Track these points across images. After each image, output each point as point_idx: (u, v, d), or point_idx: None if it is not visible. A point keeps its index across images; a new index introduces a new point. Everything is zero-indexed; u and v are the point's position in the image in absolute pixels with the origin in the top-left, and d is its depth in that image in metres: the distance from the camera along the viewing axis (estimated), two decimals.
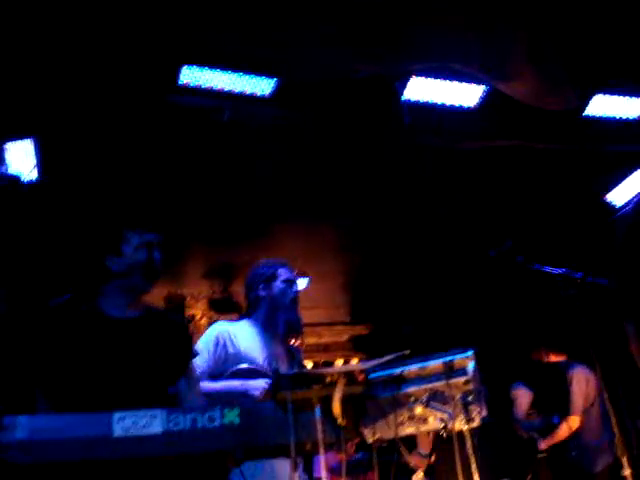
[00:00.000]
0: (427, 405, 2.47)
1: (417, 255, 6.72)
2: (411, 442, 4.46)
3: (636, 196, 6.47)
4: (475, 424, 2.53)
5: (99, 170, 5.42)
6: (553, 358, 5.87)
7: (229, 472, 2.39)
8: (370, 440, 2.48)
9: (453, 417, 2.48)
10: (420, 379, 2.47)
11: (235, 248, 7.16)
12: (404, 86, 4.85)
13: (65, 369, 2.68)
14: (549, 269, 2.98)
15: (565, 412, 5.61)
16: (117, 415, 2.10)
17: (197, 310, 8.22)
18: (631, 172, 6.37)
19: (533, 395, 6.08)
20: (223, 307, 8.27)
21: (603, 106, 5.49)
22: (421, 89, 4.91)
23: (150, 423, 2.10)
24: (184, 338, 3.09)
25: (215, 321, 8.12)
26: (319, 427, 2.15)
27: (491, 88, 5.03)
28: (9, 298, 5.21)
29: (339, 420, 2.20)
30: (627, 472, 2.48)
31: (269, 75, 4.52)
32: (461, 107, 5.10)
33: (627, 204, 6.58)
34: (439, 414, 2.51)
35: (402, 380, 2.47)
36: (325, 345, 8.68)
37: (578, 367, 5.69)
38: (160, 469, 2.15)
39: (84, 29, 4.15)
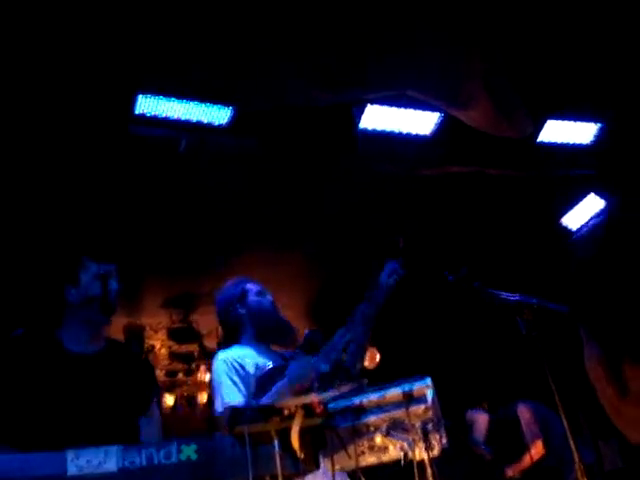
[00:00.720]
0: (387, 434, 2.47)
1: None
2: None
3: (590, 219, 6.59)
4: (435, 452, 2.53)
5: (55, 199, 5.35)
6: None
7: None
8: (330, 472, 2.45)
9: (413, 446, 2.47)
10: (379, 408, 2.47)
11: (195, 278, 7.11)
12: (361, 112, 4.89)
13: (23, 406, 2.62)
14: (506, 295, 3.00)
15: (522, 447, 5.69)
16: (71, 453, 2.05)
17: (156, 340, 8.13)
18: (584, 196, 6.48)
19: (490, 418, 6.11)
20: (183, 337, 8.19)
21: (556, 132, 5.60)
22: (377, 117, 4.96)
23: (104, 461, 2.05)
24: (146, 373, 3.05)
25: (175, 351, 8.10)
26: (278, 461, 2.13)
27: (446, 115, 5.09)
28: None
29: (298, 453, 2.18)
30: None
31: (225, 104, 4.51)
32: (417, 135, 5.15)
33: (581, 228, 6.70)
34: (399, 443, 2.50)
35: (361, 410, 2.46)
36: None
37: (520, 404, 5.82)
38: None
39: (39, 56, 4.12)
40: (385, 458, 2.56)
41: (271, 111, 4.79)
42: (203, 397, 8.24)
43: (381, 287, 3.37)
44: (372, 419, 2.45)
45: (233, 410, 2.32)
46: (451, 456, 2.87)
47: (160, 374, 8.17)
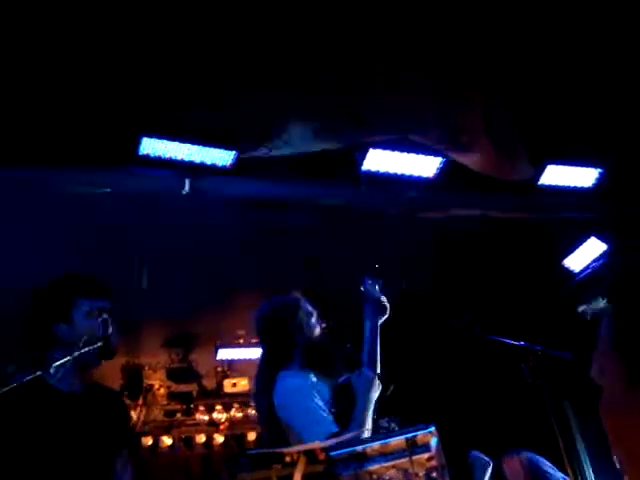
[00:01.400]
0: None
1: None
2: None
3: (592, 262, 6.59)
4: None
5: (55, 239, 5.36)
6: None
7: None
8: None
9: None
10: (382, 456, 2.42)
11: (194, 317, 7.09)
12: (364, 156, 4.91)
13: (11, 444, 2.59)
14: (509, 341, 2.98)
15: None
16: None
17: (155, 380, 8.08)
18: (585, 239, 6.50)
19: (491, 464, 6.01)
20: (181, 377, 8.14)
21: (557, 175, 5.63)
22: (380, 160, 4.98)
23: None
24: (123, 414, 3.01)
25: (173, 391, 8.04)
26: None
27: (448, 159, 5.12)
28: None
29: None
30: None
31: (230, 148, 4.54)
32: (419, 177, 5.17)
33: (583, 270, 6.70)
34: None
35: (364, 457, 2.42)
36: None
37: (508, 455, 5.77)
38: None
39: (46, 97, 4.15)
40: None
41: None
42: (201, 438, 8.16)
43: (369, 299, 3.33)
44: (375, 467, 2.41)
45: (235, 456, 2.28)
46: None
47: (158, 414, 8.10)
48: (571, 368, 2.57)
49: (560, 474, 5.94)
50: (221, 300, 6.70)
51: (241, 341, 7.57)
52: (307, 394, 3.01)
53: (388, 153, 4.94)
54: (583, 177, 5.75)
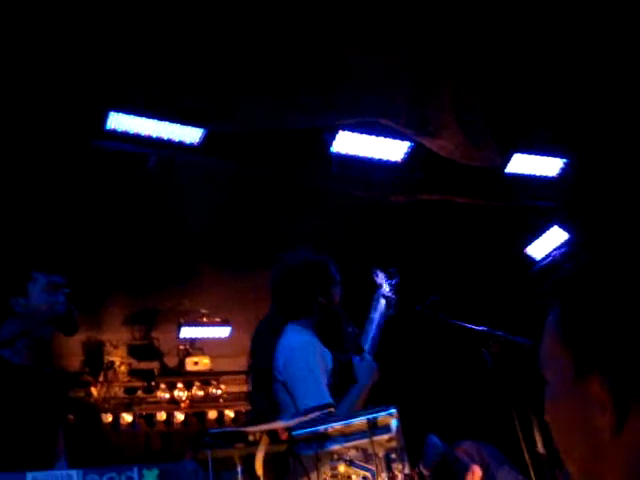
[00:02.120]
0: (350, 463, 2.45)
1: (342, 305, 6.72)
2: None
3: (553, 250, 6.68)
4: None
5: (19, 211, 5.27)
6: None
7: None
8: None
9: (376, 475, 2.45)
10: (343, 436, 2.44)
11: (158, 294, 7.05)
12: (333, 137, 4.92)
13: None
14: (471, 326, 3.01)
15: None
16: (30, 475, 2.01)
17: (116, 357, 8.02)
18: (548, 227, 6.58)
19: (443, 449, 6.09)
20: (143, 354, 8.10)
21: (523, 164, 5.69)
22: (349, 142, 4.99)
23: None
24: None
25: (134, 368, 7.99)
26: None
27: (416, 144, 5.14)
28: None
29: (261, 479, 2.16)
30: None
31: (198, 125, 4.50)
32: (387, 161, 5.20)
33: (545, 258, 6.79)
34: (362, 472, 2.48)
35: (326, 437, 2.44)
36: (247, 394, 8.55)
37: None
38: None
39: (13, 71, 4.08)
40: None
41: (243, 133, 4.80)
42: (162, 415, 8.14)
43: (380, 293, 3.29)
44: (336, 447, 2.43)
45: (197, 434, 2.29)
46: None
47: (119, 391, 8.05)
48: (531, 354, 2.61)
49: (507, 467, 6.05)
50: (185, 278, 6.68)
51: (204, 320, 7.55)
52: (313, 353, 2.97)
53: (357, 136, 4.95)
54: (548, 166, 5.82)
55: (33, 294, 2.76)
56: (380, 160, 5.16)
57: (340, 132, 4.87)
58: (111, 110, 4.32)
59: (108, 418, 7.94)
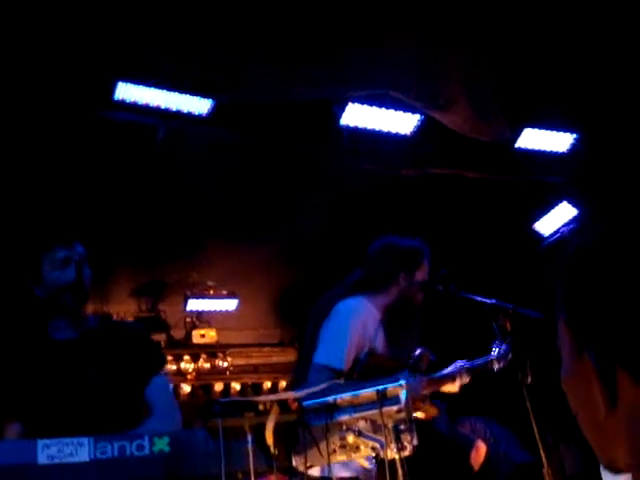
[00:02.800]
0: (359, 434, 2.46)
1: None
2: None
3: (562, 226, 6.66)
4: (407, 453, 2.52)
5: (26, 184, 5.27)
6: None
7: None
8: (301, 468, 2.45)
9: (384, 446, 2.46)
10: (353, 407, 2.45)
11: (165, 266, 7.06)
12: (342, 110, 4.89)
13: (23, 392, 2.66)
14: (480, 298, 3.01)
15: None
16: (42, 443, 2.02)
17: None
18: (557, 204, 6.56)
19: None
20: (150, 326, 8.13)
21: (533, 139, 5.66)
22: (358, 115, 4.96)
23: (76, 451, 2.02)
24: (144, 344, 3.00)
25: None
26: (251, 456, 2.12)
27: (426, 117, 5.11)
28: None
29: (272, 449, 2.17)
30: None
31: (207, 95, 4.47)
32: (397, 134, 5.17)
33: (554, 234, 6.77)
34: (371, 443, 2.49)
35: (335, 408, 2.45)
36: (254, 366, 8.61)
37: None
38: None
39: (17, 39, 4.05)
40: (356, 457, 2.55)
41: (251, 104, 4.77)
42: None
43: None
44: (345, 418, 2.44)
45: (207, 402, 2.29)
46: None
47: None
48: (542, 327, 2.61)
49: (514, 444, 6.10)
50: (192, 250, 6.68)
51: (211, 292, 7.57)
52: (352, 319, 2.96)
53: (366, 108, 4.92)
54: (559, 142, 5.79)
55: (46, 275, 2.80)
56: (390, 133, 5.13)
57: (349, 105, 4.84)
58: (119, 80, 4.29)
59: None
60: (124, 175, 5.42)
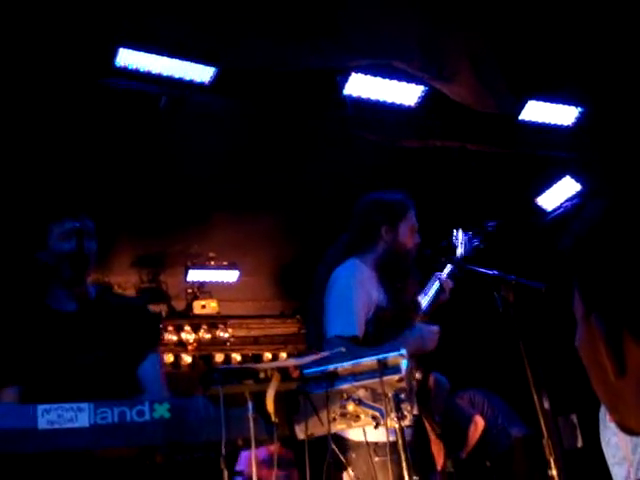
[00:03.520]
0: (359, 403, 2.46)
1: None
2: None
3: (565, 201, 6.63)
4: (407, 422, 2.53)
5: (24, 155, 5.24)
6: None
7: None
8: (302, 436, 2.45)
9: (385, 415, 2.47)
10: (353, 376, 2.45)
11: (166, 237, 7.05)
12: (346, 80, 4.84)
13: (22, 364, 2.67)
14: (483, 270, 3.00)
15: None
16: (42, 407, 2.02)
17: None
18: (560, 178, 6.52)
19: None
20: (151, 297, 8.14)
21: (538, 112, 5.61)
22: (362, 85, 4.92)
23: (76, 416, 2.02)
24: (141, 320, 3.01)
25: None
26: (251, 423, 2.12)
27: (430, 88, 5.07)
28: None
29: (272, 416, 2.17)
30: (554, 472, 2.53)
31: (210, 63, 4.43)
32: (401, 105, 5.13)
33: (557, 209, 6.75)
34: (371, 412, 2.49)
35: (335, 377, 2.44)
36: (254, 338, 8.65)
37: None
38: (86, 463, 2.08)
39: (17, 5, 4.00)
40: (356, 425, 2.56)
41: (254, 73, 4.73)
42: (169, 357, 8.22)
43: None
44: (346, 386, 2.44)
45: (208, 369, 2.29)
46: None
47: None
48: (544, 298, 2.61)
49: (513, 418, 6.13)
50: (194, 221, 6.66)
51: (212, 263, 7.57)
52: (354, 284, 2.95)
53: (370, 78, 4.87)
54: (563, 115, 5.74)
55: (51, 245, 2.84)
56: (393, 104, 5.09)
57: (353, 74, 4.79)
58: (121, 46, 4.24)
59: None
60: (126, 144, 5.38)
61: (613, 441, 4.17)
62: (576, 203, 6.60)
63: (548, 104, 5.60)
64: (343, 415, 2.49)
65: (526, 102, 5.48)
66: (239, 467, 5.65)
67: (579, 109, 5.70)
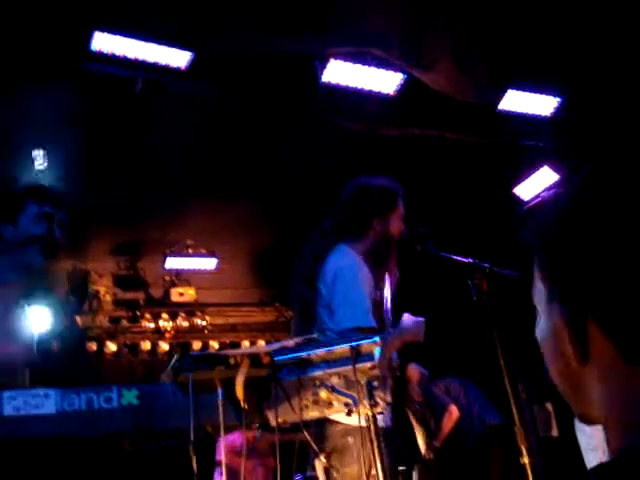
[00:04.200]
0: (332, 390, 2.45)
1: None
2: None
3: (543, 191, 6.65)
4: (379, 410, 2.52)
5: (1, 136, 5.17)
6: None
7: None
8: (273, 423, 2.44)
9: (357, 402, 2.46)
10: (326, 363, 2.44)
11: (144, 224, 7.00)
12: (324, 67, 4.81)
13: None
14: (457, 257, 2.99)
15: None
16: (7, 394, 1.99)
17: (101, 286, 8.01)
18: (538, 168, 6.54)
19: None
20: (128, 284, 8.10)
21: (517, 102, 5.61)
22: (340, 72, 4.88)
23: (42, 403, 2.00)
24: None
25: (119, 298, 8.00)
26: (221, 410, 2.10)
27: (410, 77, 5.05)
28: None
29: (242, 403, 2.15)
30: (526, 460, 2.53)
31: (186, 48, 4.38)
32: (379, 93, 5.10)
33: (533, 199, 6.77)
34: (343, 399, 2.48)
35: (308, 363, 2.43)
36: (232, 326, 8.62)
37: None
38: (53, 450, 2.06)
39: None
40: (329, 413, 2.55)
41: (231, 59, 4.69)
42: (146, 345, 8.18)
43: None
44: (318, 373, 2.43)
45: (179, 356, 2.27)
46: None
47: (103, 320, 8.06)
48: (517, 286, 2.61)
49: (477, 405, 6.18)
50: (171, 208, 6.62)
51: (190, 251, 7.53)
52: (359, 276, 2.92)
53: (349, 65, 4.84)
54: (542, 105, 5.74)
55: (23, 223, 2.76)
56: (372, 91, 5.06)
57: (332, 61, 4.76)
58: (97, 30, 4.19)
59: (93, 346, 7.96)
60: (102, 129, 5.32)
61: (587, 429, 4.22)
62: (555, 192, 6.62)
63: (527, 94, 5.60)
64: (315, 402, 2.48)
65: (505, 92, 5.48)
66: (218, 457, 5.64)
67: (558, 99, 5.71)
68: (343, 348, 2.43)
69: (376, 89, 5.07)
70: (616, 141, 5.55)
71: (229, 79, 4.78)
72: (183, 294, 8.06)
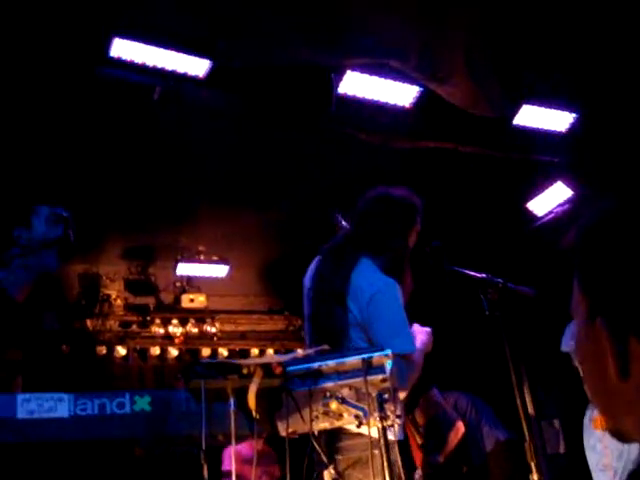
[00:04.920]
0: (343, 401, 2.45)
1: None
2: None
3: (556, 207, 6.63)
4: (389, 422, 2.52)
5: (18, 141, 5.20)
6: None
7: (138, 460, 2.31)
8: (283, 433, 2.44)
9: (368, 414, 2.46)
10: (337, 374, 2.44)
11: (156, 230, 7.03)
12: (340, 78, 4.83)
13: None
14: (470, 272, 3.00)
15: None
16: (21, 397, 2.01)
17: (112, 290, 8.03)
18: (552, 184, 6.52)
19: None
20: (139, 289, 8.13)
21: (532, 117, 5.61)
22: (356, 84, 4.90)
23: (56, 407, 2.01)
24: None
25: (130, 303, 8.02)
26: (232, 419, 2.11)
27: (426, 89, 5.06)
28: None
29: (254, 413, 2.16)
30: (535, 477, 2.53)
31: (204, 56, 4.40)
32: (395, 105, 5.11)
33: (547, 214, 6.75)
34: (354, 410, 2.49)
35: (319, 375, 2.44)
36: (242, 333, 8.63)
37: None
38: (65, 454, 2.07)
39: None
40: (338, 424, 2.55)
41: (249, 68, 4.71)
42: (156, 350, 8.20)
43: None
44: (329, 385, 2.43)
45: (191, 363, 2.28)
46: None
47: (114, 324, 8.09)
48: (531, 303, 2.61)
49: (486, 421, 6.16)
50: (185, 214, 6.64)
51: (201, 257, 7.55)
52: (393, 291, 2.86)
53: (365, 77, 4.85)
54: (558, 121, 5.74)
55: (36, 226, 2.78)
56: (387, 104, 5.07)
57: (348, 72, 4.77)
58: (116, 36, 4.22)
59: (102, 350, 7.98)
60: (118, 135, 5.35)
61: (598, 448, 4.18)
62: (567, 209, 6.61)
63: (542, 109, 5.60)
64: (326, 413, 2.48)
65: (520, 106, 5.48)
66: (224, 467, 5.64)
67: (573, 115, 5.70)
68: (354, 360, 2.44)
69: (392, 101, 5.08)
70: (632, 159, 5.54)
71: (245, 89, 4.80)
72: (193, 300, 8.07)
